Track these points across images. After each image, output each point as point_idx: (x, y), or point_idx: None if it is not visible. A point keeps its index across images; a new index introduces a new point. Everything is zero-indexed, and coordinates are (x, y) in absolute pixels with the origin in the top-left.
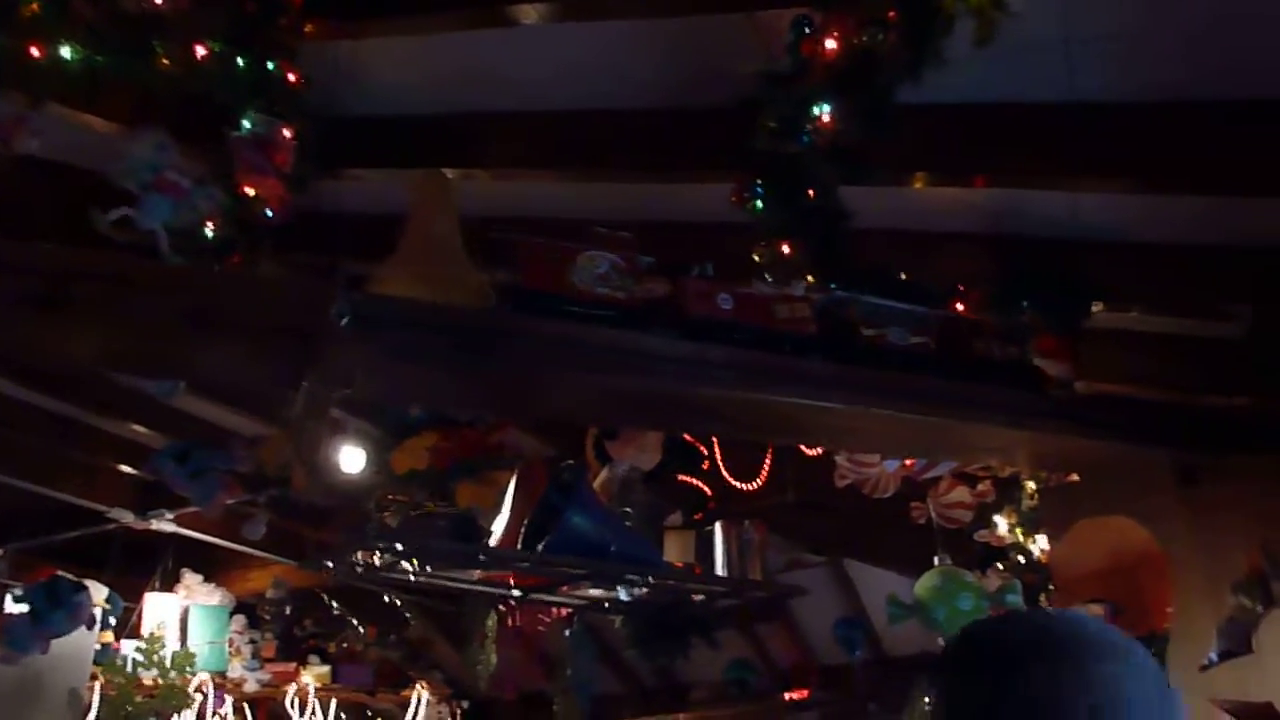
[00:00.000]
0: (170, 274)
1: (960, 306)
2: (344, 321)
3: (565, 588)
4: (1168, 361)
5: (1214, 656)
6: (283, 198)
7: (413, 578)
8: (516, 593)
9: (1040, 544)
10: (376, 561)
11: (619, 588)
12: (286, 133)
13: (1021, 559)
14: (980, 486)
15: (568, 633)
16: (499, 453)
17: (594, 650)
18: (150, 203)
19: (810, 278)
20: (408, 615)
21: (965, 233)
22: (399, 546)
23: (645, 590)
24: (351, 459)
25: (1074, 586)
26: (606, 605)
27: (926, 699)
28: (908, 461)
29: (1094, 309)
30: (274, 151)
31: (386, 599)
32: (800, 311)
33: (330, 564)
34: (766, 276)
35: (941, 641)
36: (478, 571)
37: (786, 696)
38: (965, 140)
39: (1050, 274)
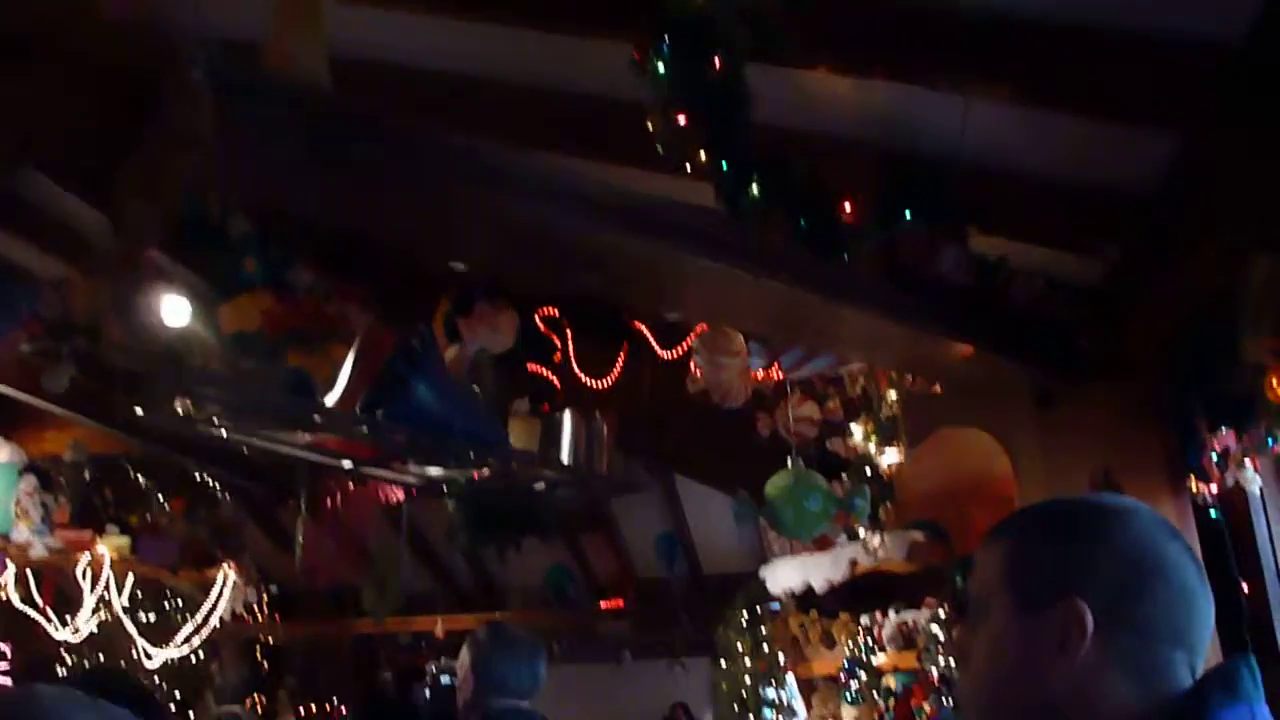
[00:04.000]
0: None
1: (848, 208)
2: (197, 73)
3: (400, 463)
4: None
5: None
6: None
7: (225, 433)
8: (347, 464)
9: (889, 457)
10: (196, 414)
11: (460, 468)
12: None
13: (868, 470)
14: (830, 404)
15: (405, 523)
16: (336, 325)
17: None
18: None
19: (703, 155)
20: (219, 493)
21: (856, 139)
22: (226, 395)
23: (487, 473)
24: (174, 311)
25: (911, 503)
26: (444, 487)
27: (996, 555)
28: (771, 370)
29: (970, 232)
30: None
31: (197, 476)
32: None
33: (143, 410)
34: (658, 147)
35: (777, 549)
36: (306, 435)
37: (602, 605)
38: (866, 28)
39: (934, 191)
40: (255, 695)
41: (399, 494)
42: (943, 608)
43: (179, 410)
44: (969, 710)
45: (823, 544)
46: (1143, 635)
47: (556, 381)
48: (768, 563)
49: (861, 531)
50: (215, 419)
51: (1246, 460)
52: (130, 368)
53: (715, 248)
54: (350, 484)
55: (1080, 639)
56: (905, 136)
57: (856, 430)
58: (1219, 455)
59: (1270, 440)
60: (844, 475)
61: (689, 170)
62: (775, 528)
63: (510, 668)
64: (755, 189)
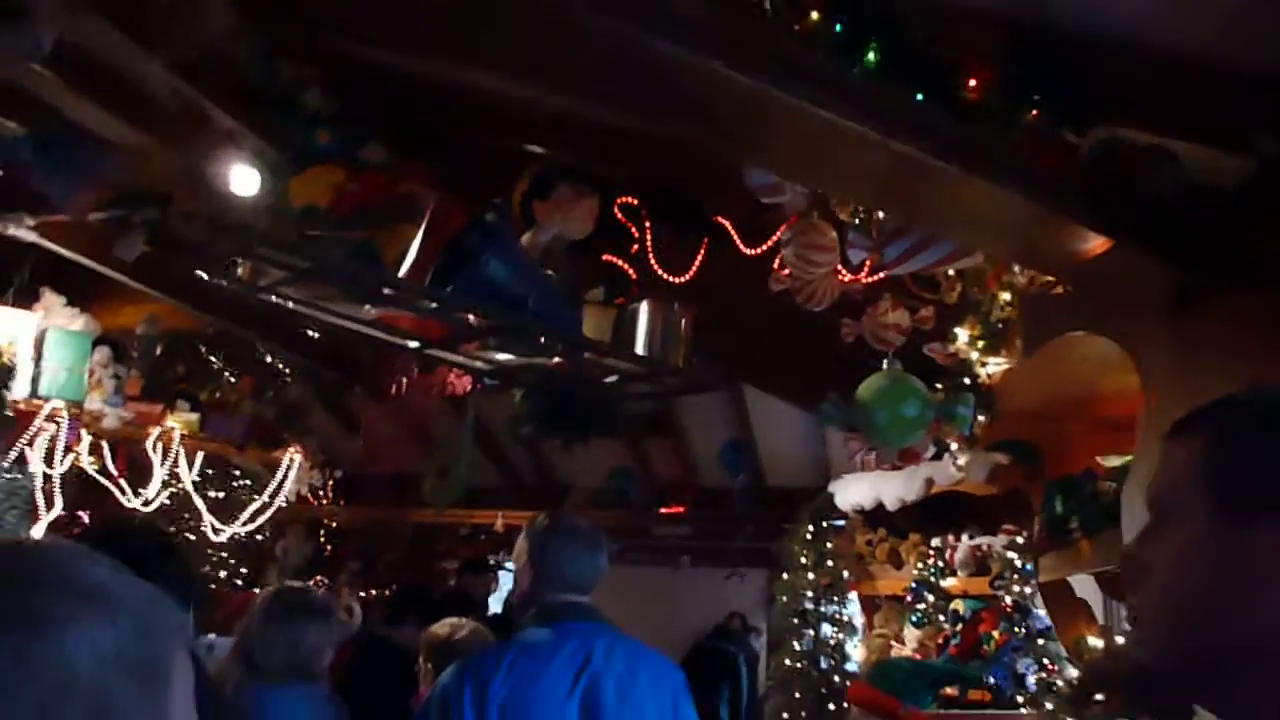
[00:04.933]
0: None
1: (973, 83)
2: None
3: (469, 345)
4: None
5: None
6: None
7: (288, 302)
8: (414, 344)
9: (993, 366)
10: (258, 279)
11: (530, 354)
12: None
13: (966, 380)
14: (923, 312)
15: (471, 413)
16: (406, 205)
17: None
18: None
19: (815, 14)
20: (288, 375)
21: (984, 7)
22: (290, 260)
23: (556, 360)
24: (245, 179)
25: (1006, 418)
26: (513, 374)
27: (1189, 449)
28: (861, 273)
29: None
30: None
31: (268, 357)
32: None
33: (205, 274)
34: (765, 5)
35: (859, 460)
36: (373, 310)
37: (663, 510)
38: None
39: (1067, 71)
40: (317, 576)
41: (466, 384)
42: (1021, 534)
43: (240, 274)
44: (1148, 632)
45: (909, 457)
46: None
47: (632, 273)
48: (834, 477)
49: (953, 445)
50: (279, 287)
51: None
52: (197, 237)
53: (828, 93)
54: (416, 369)
55: None
56: (1038, 4)
57: (961, 334)
58: None
59: None
60: (938, 385)
61: (798, 30)
62: (866, 433)
63: (569, 558)
64: (871, 54)
